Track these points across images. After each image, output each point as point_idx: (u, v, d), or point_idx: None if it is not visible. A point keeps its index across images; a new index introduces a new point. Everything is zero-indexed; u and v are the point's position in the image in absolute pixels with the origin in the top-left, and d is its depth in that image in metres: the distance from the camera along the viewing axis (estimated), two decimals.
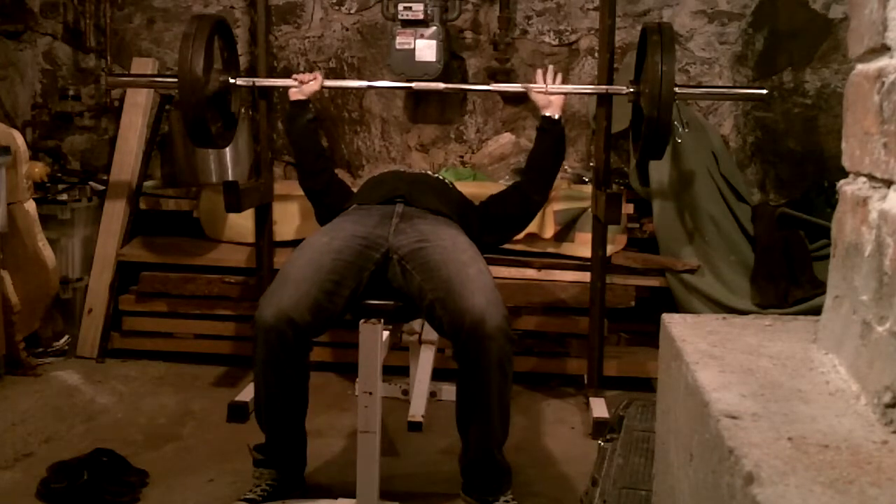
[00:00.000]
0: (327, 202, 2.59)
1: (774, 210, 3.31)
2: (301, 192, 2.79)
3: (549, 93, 2.56)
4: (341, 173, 3.79)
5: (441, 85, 2.90)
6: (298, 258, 2.14)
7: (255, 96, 3.04)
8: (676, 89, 2.45)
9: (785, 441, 0.90)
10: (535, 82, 2.61)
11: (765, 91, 2.85)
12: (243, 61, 3.73)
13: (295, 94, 2.67)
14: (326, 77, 3.71)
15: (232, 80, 2.75)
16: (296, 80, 2.67)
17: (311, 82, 2.66)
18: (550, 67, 2.65)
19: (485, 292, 2.00)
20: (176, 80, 2.56)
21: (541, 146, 2.57)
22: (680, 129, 2.84)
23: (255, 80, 2.92)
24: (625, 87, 2.69)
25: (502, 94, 3.65)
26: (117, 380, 3.11)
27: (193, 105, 2.52)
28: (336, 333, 3.08)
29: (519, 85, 2.95)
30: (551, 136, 2.55)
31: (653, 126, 2.46)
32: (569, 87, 2.65)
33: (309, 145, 2.65)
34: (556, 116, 2.54)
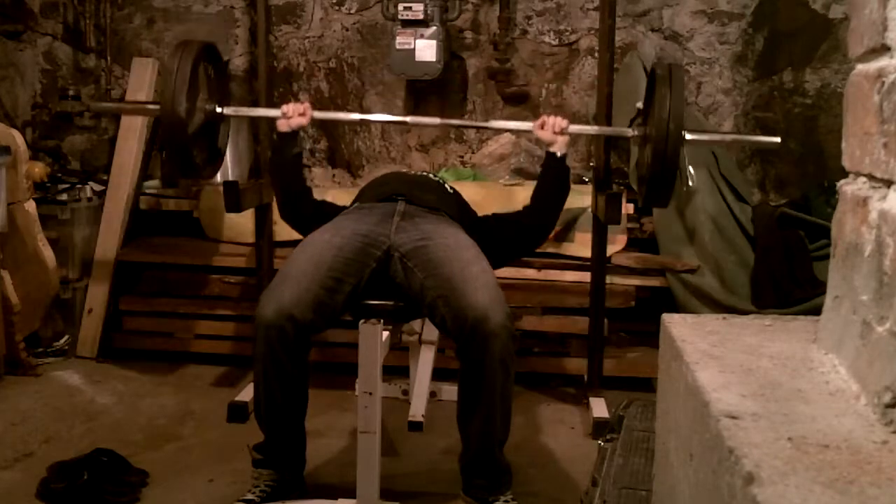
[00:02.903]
0: (313, 228, 2.40)
1: (774, 210, 3.31)
2: None
3: (555, 132, 2.41)
4: (341, 173, 3.82)
5: (437, 120, 2.80)
6: (299, 255, 2.14)
7: (257, 97, 3.03)
8: (686, 134, 2.28)
9: (785, 441, 0.90)
10: (538, 122, 2.47)
11: (778, 140, 2.58)
12: (243, 61, 3.74)
13: (282, 126, 2.44)
14: (326, 77, 3.74)
15: (219, 110, 2.56)
16: (284, 112, 2.46)
17: (298, 116, 2.45)
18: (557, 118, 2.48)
19: (488, 290, 2.00)
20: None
21: (544, 183, 2.46)
22: (688, 179, 2.73)
23: (242, 108, 2.85)
24: (630, 130, 2.53)
25: (503, 91, 3.65)
26: (117, 380, 3.11)
27: (176, 141, 2.38)
28: (337, 333, 3.07)
29: (521, 123, 2.81)
30: (554, 173, 2.44)
31: (659, 170, 2.28)
32: (574, 128, 2.47)
33: (290, 180, 2.48)
34: (560, 154, 2.42)
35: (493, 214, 2.56)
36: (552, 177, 2.44)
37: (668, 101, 2.24)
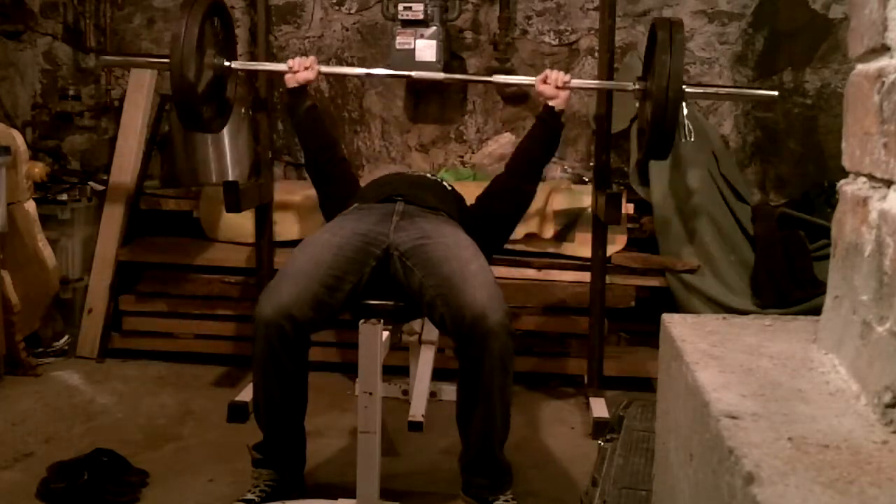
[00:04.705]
0: (331, 191, 2.53)
1: (774, 210, 3.31)
2: (301, 193, 2.78)
3: (557, 86, 2.46)
4: None
5: (441, 75, 2.88)
6: (299, 254, 2.15)
7: (257, 97, 3.03)
8: (686, 88, 2.35)
9: (785, 441, 0.90)
10: (541, 77, 2.51)
11: (776, 93, 2.69)
12: (243, 61, 3.73)
13: (290, 81, 2.53)
14: (326, 77, 3.74)
15: (227, 64, 2.62)
16: (290, 66, 2.54)
17: (305, 70, 2.53)
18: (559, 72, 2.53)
19: (486, 288, 2.00)
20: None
21: (537, 135, 2.49)
22: (686, 133, 2.77)
23: (250, 63, 2.89)
24: (631, 84, 2.60)
25: (503, 91, 3.65)
26: (117, 380, 3.11)
27: (186, 101, 2.43)
28: (337, 333, 3.08)
29: (523, 77, 2.88)
30: (549, 128, 2.47)
31: (659, 125, 2.36)
32: (575, 82, 2.53)
33: (311, 133, 2.55)
34: (559, 109, 2.46)
35: (477, 197, 2.57)
36: (546, 131, 2.47)
37: (668, 56, 2.30)
